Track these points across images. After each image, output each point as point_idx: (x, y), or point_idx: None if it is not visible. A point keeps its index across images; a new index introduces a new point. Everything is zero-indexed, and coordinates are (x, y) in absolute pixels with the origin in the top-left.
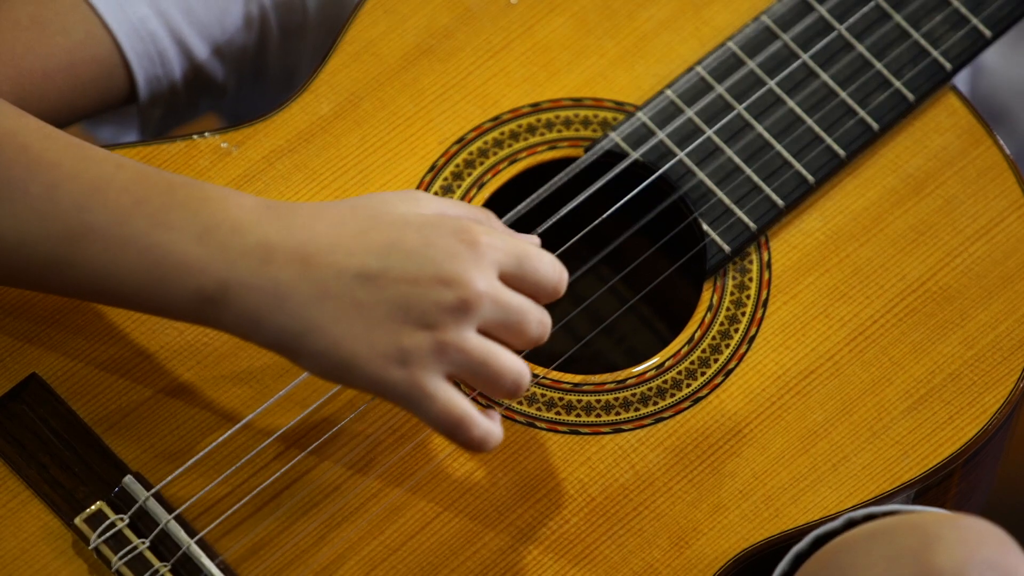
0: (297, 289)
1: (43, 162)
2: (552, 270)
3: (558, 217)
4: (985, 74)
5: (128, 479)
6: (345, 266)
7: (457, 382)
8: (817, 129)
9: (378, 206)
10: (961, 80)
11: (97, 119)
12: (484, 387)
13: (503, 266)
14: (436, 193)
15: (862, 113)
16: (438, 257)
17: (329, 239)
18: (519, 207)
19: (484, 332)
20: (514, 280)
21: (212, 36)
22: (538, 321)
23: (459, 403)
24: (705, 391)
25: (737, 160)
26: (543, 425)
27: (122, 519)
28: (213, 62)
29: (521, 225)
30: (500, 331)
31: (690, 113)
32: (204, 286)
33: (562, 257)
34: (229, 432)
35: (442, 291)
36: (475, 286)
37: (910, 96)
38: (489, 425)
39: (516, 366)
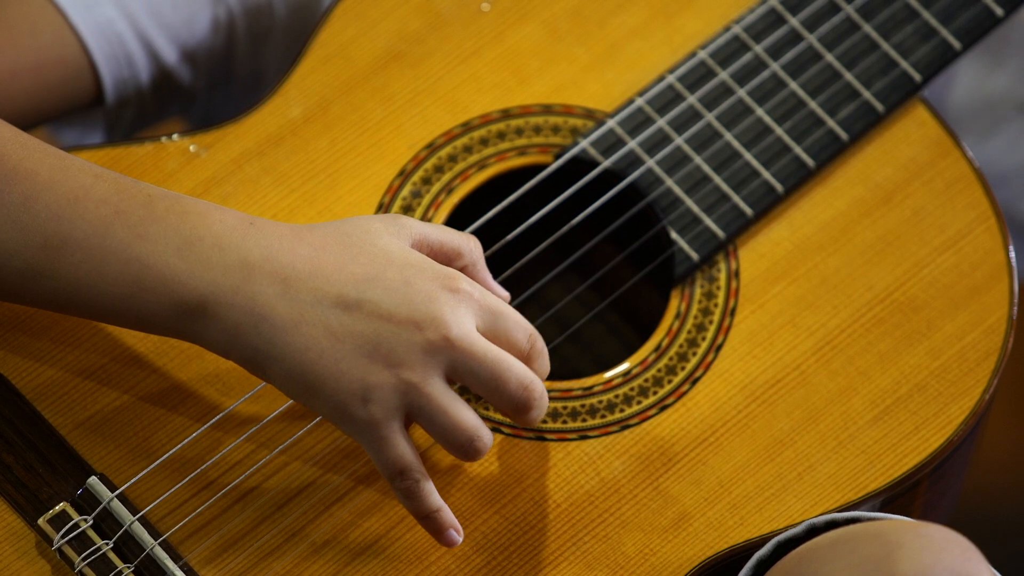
0: (274, 311)
1: (20, 171)
2: (523, 335)
3: (527, 224)
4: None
5: (92, 480)
6: (324, 293)
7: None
8: (786, 138)
9: (362, 236)
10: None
11: (62, 121)
12: (438, 438)
13: (478, 319)
14: (404, 198)
15: (831, 123)
16: (416, 299)
17: (310, 264)
18: (488, 213)
19: (462, 386)
20: (486, 336)
21: (180, 39)
22: (518, 379)
23: (409, 455)
24: (672, 399)
25: (706, 168)
26: (508, 431)
27: (86, 520)
28: (181, 65)
29: (490, 231)
30: (475, 385)
31: (660, 121)
32: (184, 299)
33: (530, 264)
34: (195, 434)
35: (414, 332)
36: (447, 331)
37: (879, 107)
38: (431, 488)
39: (474, 425)
